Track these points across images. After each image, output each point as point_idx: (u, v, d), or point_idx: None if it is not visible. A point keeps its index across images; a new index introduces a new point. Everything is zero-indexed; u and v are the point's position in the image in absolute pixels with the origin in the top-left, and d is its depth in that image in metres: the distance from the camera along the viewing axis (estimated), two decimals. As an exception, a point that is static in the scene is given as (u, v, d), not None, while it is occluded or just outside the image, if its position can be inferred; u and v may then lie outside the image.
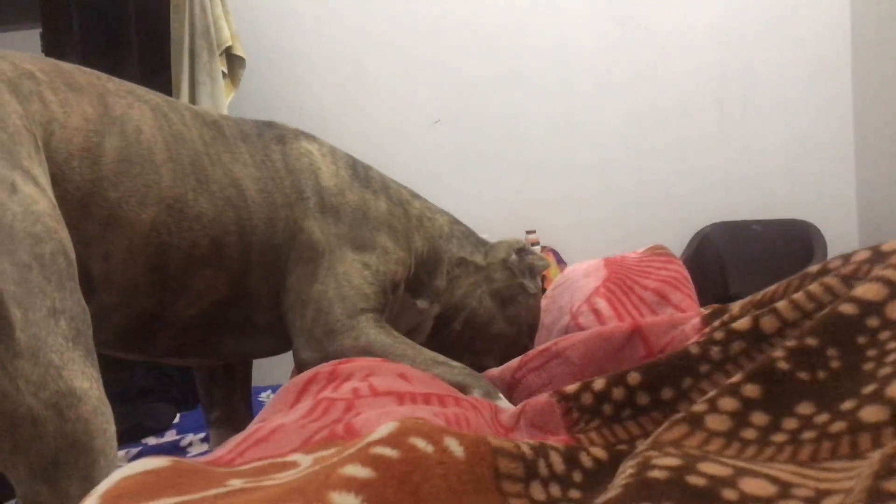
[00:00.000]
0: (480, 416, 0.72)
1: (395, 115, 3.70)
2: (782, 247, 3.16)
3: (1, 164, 0.65)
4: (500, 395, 0.90)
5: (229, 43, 3.24)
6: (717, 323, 0.71)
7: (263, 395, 1.57)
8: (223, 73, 3.25)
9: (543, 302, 1.38)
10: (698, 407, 0.57)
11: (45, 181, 0.71)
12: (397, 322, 1.05)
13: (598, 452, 0.58)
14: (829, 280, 0.68)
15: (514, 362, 1.00)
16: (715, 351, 0.68)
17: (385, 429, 0.50)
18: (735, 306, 0.82)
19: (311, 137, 1.10)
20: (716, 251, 3.22)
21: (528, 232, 3.39)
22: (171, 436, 1.36)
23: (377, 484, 0.42)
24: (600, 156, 3.52)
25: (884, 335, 0.56)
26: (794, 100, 3.34)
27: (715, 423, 0.56)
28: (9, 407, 0.59)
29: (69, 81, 0.83)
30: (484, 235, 3.24)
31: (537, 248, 3.32)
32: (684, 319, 0.86)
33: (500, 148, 3.61)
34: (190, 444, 1.30)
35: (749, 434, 0.55)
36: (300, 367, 0.96)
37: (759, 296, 0.78)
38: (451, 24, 3.62)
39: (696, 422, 0.56)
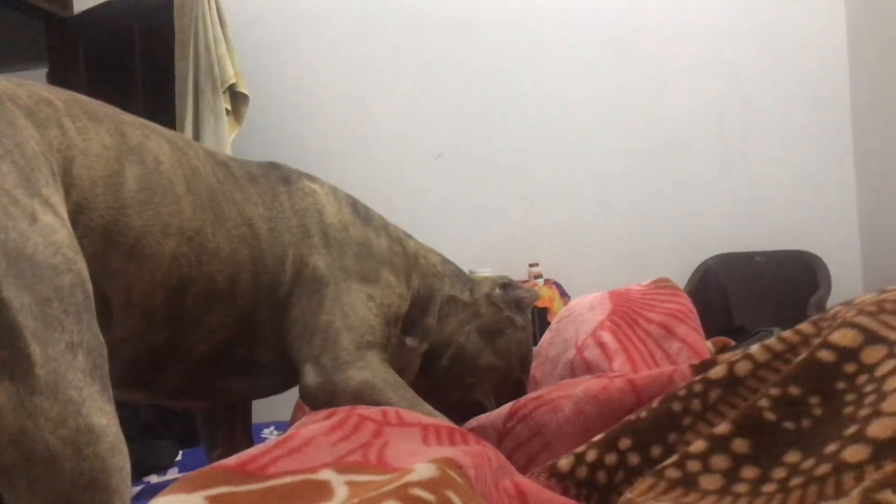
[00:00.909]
0: (498, 459, 0.73)
1: (397, 150, 3.73)
2: (786, 277, 3.16)
3: (20, 191, 0.65)
4: None
5: (233, 80, 3.28)
6: (697, 378, 0.74)
7: (266, 432, 1.56)
8: (227, 110, 3.29)
9: (547, 335, 1.37)
10: (692, 465, 0.60)
11: (62, 209, 0.70)
12: (389, 359, 1.05)
13: None
14: (801, 326, 0.72)
15: (505, 409, 1.01)
16: (695, 403, 0.72)
17: (425, 472, 0.51)
18: (724, 356, 0.85)
19: (312, 178, 1.11)
20: (719, 283, 3.22)
21: (531, 265, 3.39)
22: (173, 474, 1.34)
23: None
24: (603, 188, 3.54)
25: (861, 379, 0.60)
26: (794, 131, 3.36)
27: (709, 483, 0.60)
28: (27, 444, 0.58)
29: (86, 109, 0.82)
30: (486, 269, 3.25)
31: (540, 281, 3.32)
32: (675, 373, 0.88)
33: (502, 181, 3.63)
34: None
35: (741, 488, 0.58)
36: (305, 395, 0.95)
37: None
38: (453, 60, 3.66)
39: (690, 483, 0.60)
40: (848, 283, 3.13)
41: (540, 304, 3.18)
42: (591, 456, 0.74)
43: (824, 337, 0.64)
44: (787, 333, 0.72)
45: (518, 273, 3.40)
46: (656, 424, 0.72)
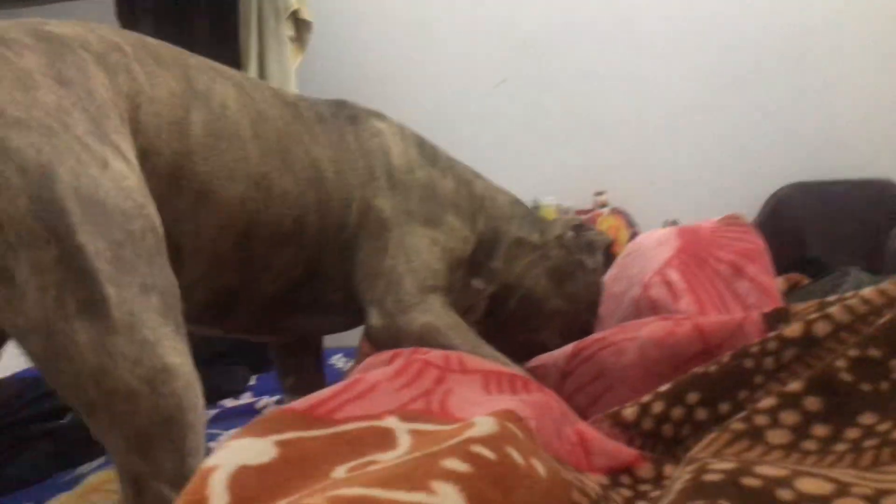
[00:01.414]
0: (560, 407, 0.73)
1: (460, 76, 3.67)
2: (865, 208, 3.03)
3: (92, 137, 0.66)
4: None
5: (296, 7, 3.25)
6: (772, 335, 0.72)
7: (335, 358, 1.61)
8: (290, 37, 3.27)
9: (612, 270, 1.36)
10: (760, 419, 0.59)
11: (131, 155, 0.72)
12: (454, 300, 1.06)
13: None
14: (885, 286, 0.69)
15: (569, 349, 1.00)
16: (769, 361, 0.70)
17: (485, 426, 0.52)
18: (798, 307, 0.83)
19: (380, 116, 1.10)
20: (793, 213, 3.11)
21: (597, 193, 3.34)
22: (247, 398, 1.40)
23: (474, 478, 0.45)
24: (672, 114, 3.43)
25: None
26: (872, 56, 3.16)
27: (776, 437, 0.58)
28: (107, 382, 0.61)
29: (155, 55, 0.83)
30: (550, 197, 3.22)
31: (606, 210, 3.27)
32: (745, 321, 0.85)
33: (566, 107, 3.54)
34: (265, 407, 1.34)
35: (810, 445, 0.57)
36: (370, 336, 0.98)
37: (827, 300, 0.78)
38: (516, -19, 3.55)
39: (757, 436, 0.58)
40: (932, 215, 2.99)
41: (606, 233, 3.14)
42: (658, 408, 0.73)
43: None
44: (870, 293, 0.69)
45: (583, 202, 3.36)
46: (726, 380, 0.71)
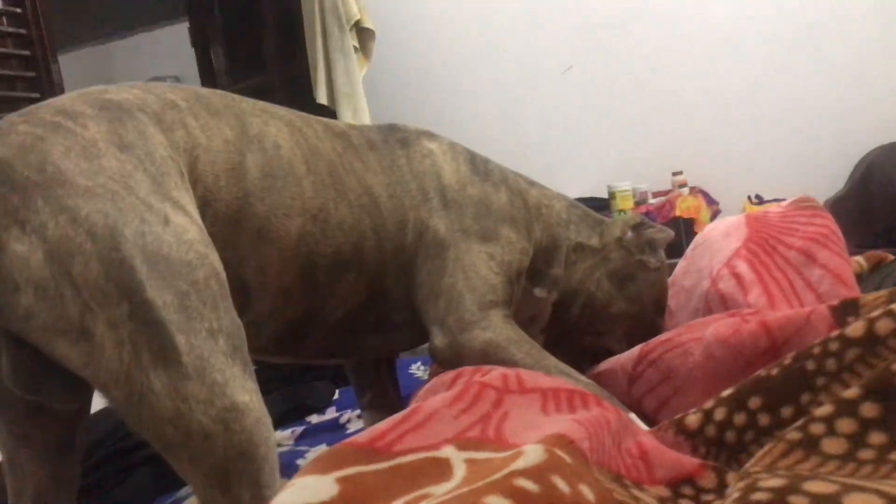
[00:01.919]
0: (620, 421, 0.74)
1: (525, 66, 3.65)
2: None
3: (153, 196, 0.72)
4: (630, 412, 0.90)
5: (358, 17, 3.31)
6: (834, 334, 0.69)
7: (413, 367, 1.65)
8: (355, 47, 3.33)
9: (682, 263, 1.34)
10: (815, 428, 0.57)
11: (192, 208, 0.77)
12: (517, 311, 1.07)
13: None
14: None
15: (635, 352, 1.00)
16: (830, 363, 0.68)
17: (531, 457, 0.53)
18: (868, 297, 0.80)
19: (431, 136, 1.12)
20: (885, 177, 2.95)
21: (675, 174, 3.27)
22: (331, 413, 1.45)
23: None
24: (749, 84, 3.31)
25: None
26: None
27: (832, 446, 0.57)
28: (183, 425, 0.67)
29: (207, 106, 0.89)
30: (626, 182, 3.17)
31: (685, 190, 3.20)
32: (812, 314, 0.83)
33: (637, 89, 3.48)
34: (349, 421, 1.38)
35: (866, 454, 0.55)
36: (434, 355, 1.01)
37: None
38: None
39: (812, 446, 0.57)
40: None
41: (685, 214, 3.08)
42: (720, 414, 0.72)
43: None
44: None
45: (661, 183, 3.30)
46: (788, 383, 0.69)
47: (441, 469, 0.58)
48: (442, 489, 0.55)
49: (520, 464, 0.52)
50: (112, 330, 0.66)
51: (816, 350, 0.71)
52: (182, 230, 0.72)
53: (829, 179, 3.02)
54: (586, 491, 0.53)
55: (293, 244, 0.91)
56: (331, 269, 0.95)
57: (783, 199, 1.36)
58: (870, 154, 3.05)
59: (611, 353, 1.09)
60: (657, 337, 1.02)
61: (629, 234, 1.18)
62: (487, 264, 1.02)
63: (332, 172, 0.97)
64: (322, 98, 3.25)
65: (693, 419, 0.75)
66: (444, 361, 0.98)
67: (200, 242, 0.74)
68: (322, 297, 0.96)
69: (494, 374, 0.79)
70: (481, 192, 1.08)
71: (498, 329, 0.97)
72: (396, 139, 1.08)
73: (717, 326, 0.92)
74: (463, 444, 0.63)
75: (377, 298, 1.01)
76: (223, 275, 0.75)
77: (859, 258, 1.37)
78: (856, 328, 0.69)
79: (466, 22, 3.71)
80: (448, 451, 0.61)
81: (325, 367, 1.58)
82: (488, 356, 0.94)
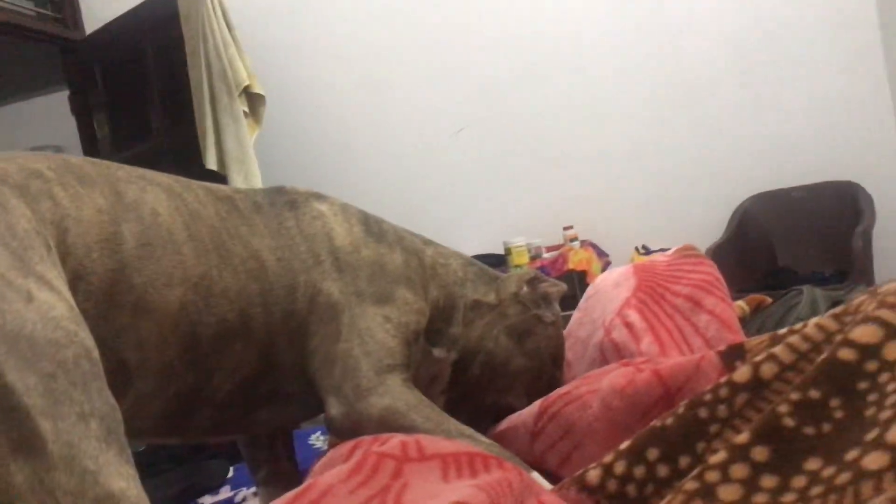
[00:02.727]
0: (522, 482, 0.72)
1: (419, 128, 3.71)
2: (828, 210, 3.08)
3: (14, 273, 0.66)
4: (532, 471, 0.89)
5: (247, 82, 3.28)
6: (723, 380, 0.71)
7: (313, 437, 1.59)
8: (245, 112, 3.30)
9: (577, 314, 1.36)
10: (711, 476, 0.58)
11: (60, 283, 0.72)
12: (417, 373, 1.05)
13: None
14: (824, 321, 0.69)
15: (535, 407, 1.00)
16: (722, 409, 0.70)
17: None
18: (752, 342, 0.83)
19: (321, 196, 1.10)
20: (759, 224, 3.15)
21: (566, 228, 3.36)
22: (225, 492, 1.37)
23: None
24: (630, 141, 3.48)
25: (883, 377, 0.58)
26: (821, 58, 3.24)
27: (727, 493, 0.58)
28: None
29: (79, 175, 0.84)
30: (520, 238, 3.23)
31: (576, 244, 3.29)
32: (702, 361, 0.85)
33: (528, 147, 3.59)
34: (244, 500, 1.32)
35: (760, 499, 0.56)
36: (329, 425, 0.97)
37: (780, 332, 0.78)
38: (464, 31, 3.62)
39: (708, 495, 0.58)
40: (893, 210, 3.03)
41: (578, 267, 3.15)
42: (620, 468, 0.72)
43: (845, 334, 0.62)
44: (810, 329, 0.69)
45: (554, 237, 3.38)
46: (683, 432, 0.70)
47: None
48: None
49: None
50: None
51: (708, 397, 0.72)
52: (48, 307, 0.67)
53: (708, 228, 3.18)
54: None
55: (174, 316, 0.86)
56: (216, 339, 0.90)
57: (668, 248, 1.40)
58: (744, 203, 3.24)
59: (513, 410, 1.08)
60: (556, 391, 1.02)
61: (524, 289, 1.17)
62: (384, 327, 0.99)
63: (215, 238, 0.93)
64: (211, 164, 3.19)
65: (593, 475, 0.75)
66: (342, 432, 0.94)
67: (69, 319, 0.68)
68: (208, 371, 0.91)
69: (393, 442, 0.77)
70: (375, 253, 1.05)
71: (396, 394, 0.94)
72: (284, 201, 1.06)
73: (613, 377, 0.93)
74: None
75: (268, 369, 0.97)
76: (95, 353, 0.70)
77: (741, 302, 1.43)
78: (742, 373, 0.71)
79: (358, 85, 3.75)
80: None
81: (221, 445, 1.50)
82: (387, 423, 0.91)
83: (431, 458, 0.73)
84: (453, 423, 0.94)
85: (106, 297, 0.80)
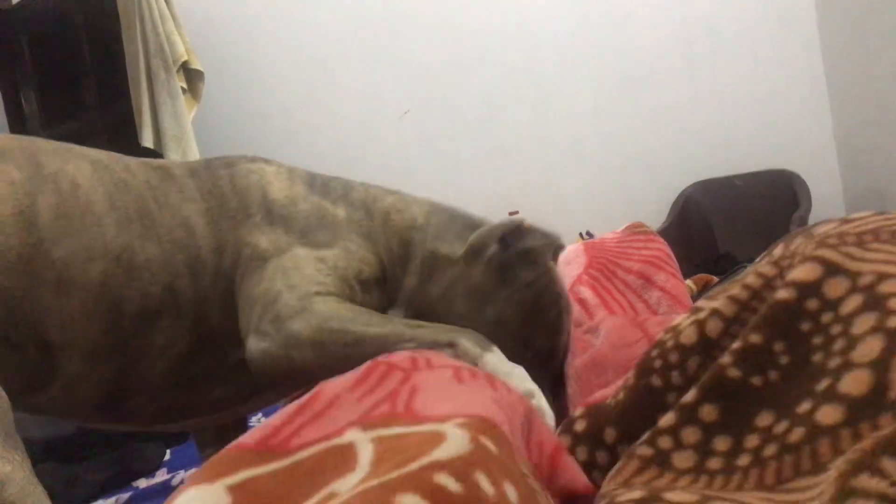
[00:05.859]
0: (526, 409, 0.66)
1: (363, 111, 3.64)
2: (767, 198, 3.14)
3: None
4: (493, 345, 0.79)
5: (185, 58, 3.17)
6: (670, 344, 0.66)
7: (255, 419, 1.54)
8: (183, 88, 3.19)
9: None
10: (664, 442, 0.55)
11: None
12: None
13: None
14: (762, 267, 0.64)
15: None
16: (675, 376, 0.64)
17: (454, 445, 0.45)
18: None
19: (267, 160, 1.03)
20: (701, 211, 3.19)
21: (511, 213, 3.35)
22: (161, 475, 1.32)
23: None
24: (575, 129, 3.49)
25: (826, 317, 0.54)
26: (761, 50, 3.30)
27: (681, 460, 0.54)
28: None
29: None
30: (466, 223, 3.19)
31: (522, 229, 3.28)
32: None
33: (473, 133, 3.56)
34: (182, 483, 1.26)
35: (714, 464, 0.53)
36: (254, 368, 0.84)
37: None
38: (410, 14, 3.56)
39: (663, 462, 0.55)
40: (828, 197, 3.13)
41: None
42: (582, 455, 0.67)
43: (784, 276, 0.59)
44: (751, 278, 0.64)
45: (498, 223, 3.36)
46: (639, 406, 0.64)
47: (344, 457, 0.49)
48: (347, 483, 0.47)
49: (441, 453, 0.44)
50: None
51: (657, 364, 0.65)
52: None
53: (651, 214, 3.21)
54: (511, 492, 0.46)
55: (96, 292, 0.81)
56: (140, 316, 0.84)
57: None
58: (686, 190, 3.29)
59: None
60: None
61: (493, 247, 0.96)
62: (315, 266, 0.87)
63: (142, 207, 0.87)
64: (147, 141, 3.07)
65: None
66: (267, 369, 0.82)
67: None
68: (137, 350, 0.85)
69: (401, 355, 0.69)
70: (316, 206, 0.96)
71: (326, 312, 0.80)
72: (222, 162, 0.99)
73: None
74: (370, 423, 0.53)
75: (205, 343, 0.90)
76: None
77: (689, 281, 1.43)
78: (688, 335, 0.65)
79: (302, 64, 3.65)
80: (352, 436, 0.50)
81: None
82: (324, 345, 0.79)
83: (442, 367, 0.67)
84: (400, 320, 0.83)
85: (26, 273, 0.76)
